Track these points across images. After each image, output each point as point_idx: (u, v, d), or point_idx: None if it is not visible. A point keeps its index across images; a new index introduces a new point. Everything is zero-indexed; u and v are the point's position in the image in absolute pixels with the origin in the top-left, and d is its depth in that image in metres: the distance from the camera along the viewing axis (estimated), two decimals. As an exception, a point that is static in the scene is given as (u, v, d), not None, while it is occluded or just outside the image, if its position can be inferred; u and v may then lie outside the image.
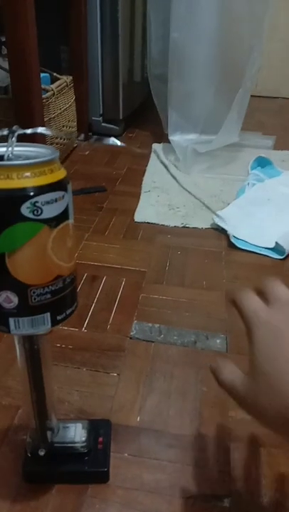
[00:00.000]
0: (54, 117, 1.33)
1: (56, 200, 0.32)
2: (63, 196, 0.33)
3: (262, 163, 1.31)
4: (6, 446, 0.53)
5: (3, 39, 1.20)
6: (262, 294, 0.34)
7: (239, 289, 0.35)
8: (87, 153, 1.52)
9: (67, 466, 0.49)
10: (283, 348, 0.30)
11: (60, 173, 0.33)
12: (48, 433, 0.47)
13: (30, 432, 0.48)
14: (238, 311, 0.34)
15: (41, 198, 0.31)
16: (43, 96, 1.24)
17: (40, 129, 0.35)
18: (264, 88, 2.29)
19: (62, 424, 0.49)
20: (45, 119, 1.27)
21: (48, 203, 0.31)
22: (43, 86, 1.24)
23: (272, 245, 0.93)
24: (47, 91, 1.28)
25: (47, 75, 1.34)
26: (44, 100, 1.25)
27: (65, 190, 0.33)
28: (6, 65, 1.20)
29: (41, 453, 0.47)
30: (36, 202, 0.31)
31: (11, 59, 1.14)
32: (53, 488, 0.49)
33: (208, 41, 1.39)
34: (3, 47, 1.41)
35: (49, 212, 0.31)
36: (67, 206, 0.33)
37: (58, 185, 0.32)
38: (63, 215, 0.33)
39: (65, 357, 0.66)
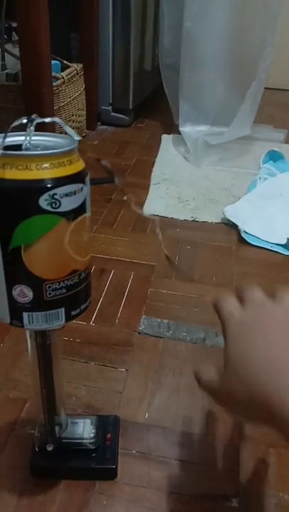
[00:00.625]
0: (64, 106, 1.31)
1: (75, 193, 0.31)
2: (82, 189, 0.31)
3: (274, 157, 1.29)
4: (13, 439, 0.52)
5: (15, 25, 1.18)
6: (240, 298, 0.38)
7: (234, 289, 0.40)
8: (95, 142, 1.50)
9: (75, 462, 0.48)
10: (251, 343, 0.33)
11: (79, 165, 0.32)
12: (57, 428, 0.47)
13: (38, 426, 0.47)
14: (216, 312, 0.38)
15: (60, 190, 0.30)
16: (53, 84, 1.22)
17: (58, 120, 0.33)
18: (275, 81, 2.25)
19: (70, 419, 0.49)
20: (55, 108, 1.26)
21: (66, 195, 0.30)
22: (53, 74, 1.22)
23: (283, 241, 0.92)
24: (57, 79, 1.26)
25: (57, 62, 1.32)
26: (54, 88, 1.23)
27: (84, 182, 0.32)
28: (16, 51, 1.19)
29: (49, 448, 0.46)
30: (55, 194, 0.29)
31: (22, 46, 1.12)
32: (61, 484, 0.48)
33: (222, 32, 1.37)
34: (14, 33, 1.38)
35: (67, 205, 0.30)
36: (85, 199, 0.32)
37: (77, 177, 0.31)
38: (81, 208, 0.32)
39: (72, 351, 0.65)
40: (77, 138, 0.31)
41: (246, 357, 0.33)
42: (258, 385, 0.31)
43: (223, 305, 0.38)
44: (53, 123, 0.32)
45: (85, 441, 0.48)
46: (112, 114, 1.63)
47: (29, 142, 0.30)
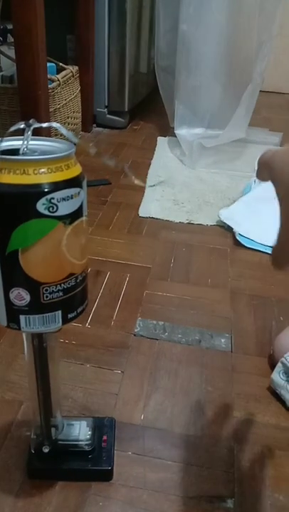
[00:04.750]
0: (59, 108, 1.31)
1: (72, 197, 0.31)
2: (79, 193, 0.32)
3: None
4: (9, 441, 0.52)
5: (10, 27, 1.18)
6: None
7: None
8: (91, 145, 1.50)
9: (71, 463, 0.48)
10: None
11: (76, 169, 0.32)
12: (53, 430, 0.47)
13: (34, 428, 0.48)
14: (262, 166, 0.34)
15: (57, 195, 0.30)
16: (49, 86, 1.23)
17: (55, 124, 0.34)
18: (270, 84, 2.27)
19: (66, 421, 0.49)
20: (50, 110, 1.26)
21: (63, 199, 0.30)
22: (48, 76, 1.22)
23: (278, 244, 0.93)
24: (53, 81, 1.26)
25: (53, 64, 1.33)
26: (50, 90, 1.23)
27: (81, 186, 0.32)
28: (12, 53, 1.19)
29: (45, 450, 0.47)
30: (52, 198, 0.30)
31: (18, 48, 1.12)
32: (57, 485, 0.48)
33: (218, 35, 1.38)
34: (9, 35, 1.38)
35: (64, 209, 0.31)
36: (82, 203, 0.33)
37: (74, 182, 0.31)
38: (78, 212, 0.32)
39: (68, 353, 0.65)
40: (76, 140, 0.32)
41: None
42: None
43: (262, 156, 0.34)
44: (50, 126, 0.33)
45: (81, 442, 0.48)
46: (108, 116, 1.63)
47: (26, 147, 0.31)
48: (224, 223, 1.02)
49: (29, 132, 0.31)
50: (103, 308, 0.75)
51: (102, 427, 0.51)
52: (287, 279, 0.86)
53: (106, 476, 0.49)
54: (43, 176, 0.29)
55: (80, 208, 0.32)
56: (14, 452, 0.51)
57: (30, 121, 0.30)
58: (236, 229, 0.98)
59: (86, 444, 0.48)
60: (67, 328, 0.68)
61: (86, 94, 1.49)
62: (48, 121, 1.18)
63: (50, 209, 0.30)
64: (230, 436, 0.55)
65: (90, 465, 0.48)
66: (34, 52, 1.10)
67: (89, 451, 0.48)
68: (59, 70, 1.34)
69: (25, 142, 0.31)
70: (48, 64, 1.22)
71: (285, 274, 0.87)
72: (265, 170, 0.33)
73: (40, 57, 1.12)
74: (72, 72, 1.36)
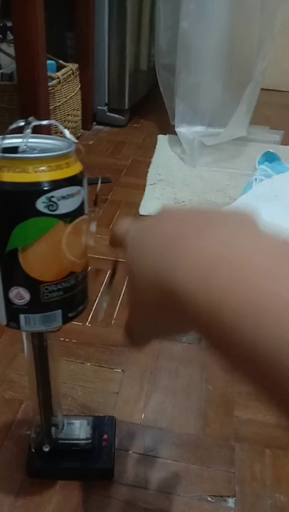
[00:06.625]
0: (59, 106, 1.30)
1: (72, 195, 0.31)
2: (79, 191, 0.31)
3: (269, 158, 1.29)
4: (9, 440, 0.52)
5: (10, 24, 1.18)
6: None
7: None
8: (91, 142, 1.50)
9: (71, 462, 0.48)
10: (149, 234, 0.27)
11: (77, 167, 0.32)
12: (53, 429, 0.47)
13: (34, 427, 0.47)
14: (116, 242, 0.32)
15: (57, 193, 0.30)
16: (49, 84, 1.22)
17: (55, 122, 0.33)
18: (271, 82, 2.27)
19: (67, 420, 0.49)
20: (50, 108, 1.25)
21: (63, 198, 0.30)
22: (48, 73, 1.21)
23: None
24: (52, 79, 1.25)
25: (53, 62, 1.32)
26: (49, 88, 1.23)
27: (81, 184, 0.32)
28: (11, 51, 1.18)
29: (46, 449, 0.46)
30: (52, 197, 0.29)
31: (17, 45, 1.11)
32: (57, 484, 0.48)
33: (218, 32, 1.37)
34: (9, 32, 1.38)
35: (65, 207, 0.30)
36: (82, 201, 0.32)
37: (75, 180, 0.31)
38: (79, 211, 0.32)
39: (68, 351, 0.65)
40: (75, 140, 0.31)
41: (144, 249, 0.26)
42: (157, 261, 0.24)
43: (115, 229, 0.31)
44: (49, 124, 0.32)
45: (81, 441, 0.48)
46: (108, 114, 1.63)
47: (26, 145, 0.30)
48: (225, 222, 1.01)
49: (28, 130, 0.30)
50: (103, 307, 0.75)
51: (103, 425, 0.51)
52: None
53: (106, 475, 0.49)
54: (43, 174, 0.29)
55: (81, 206, 0.32)
56: (15, 451, 0.51)
57: (30, 118, 0.30)
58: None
59: (86, 443, 0.48)
60: (68, 327, 0.68)
61: (86, 91, 1.49)
62: (48, 119, 1.18)
63: (50, 207, 0.30)
64: (230, 436, 0.55)
65: (91, 464, 0.48)
66: (34, 49, 1.09)
67: (89, 450, 0.48)
68: (59, 68, 1.33)
69: (25, 140, 0.30)
70: (48, 61, 1.22)
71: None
72: (117, 242, 0.31)
73: (40, 55, 1.12)
74: (72, 69, 1.35)
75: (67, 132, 0.32)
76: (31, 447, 0.48)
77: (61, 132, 0.32)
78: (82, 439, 0.48)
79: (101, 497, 0.47)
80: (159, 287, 0.24)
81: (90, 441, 0.48)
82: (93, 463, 0.48)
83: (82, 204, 0.32)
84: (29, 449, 0.48)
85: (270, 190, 1.13)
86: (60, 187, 0.30)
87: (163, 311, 0.26)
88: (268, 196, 1.11)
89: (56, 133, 1.27)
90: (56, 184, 0.30)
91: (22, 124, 0.30)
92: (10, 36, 1.37)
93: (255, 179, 1.18)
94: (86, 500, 0.47)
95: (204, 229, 0.24)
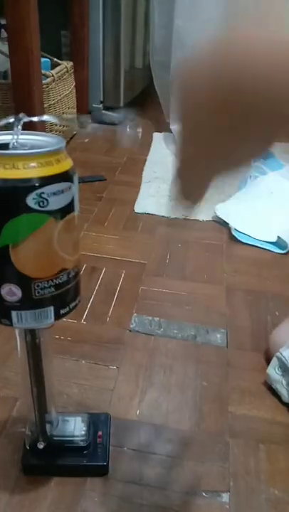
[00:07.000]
0: (54, 104, 1.30)
1: (63, 192, 0.31)
2: (70, 187, 0.31)
3: (264, 155, 1.29)
4: (4, 438, 0.52)
5: (3, 22, 1.17)
6: None
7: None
8: (86, 140, 1.50)
9: (66, 459, 0.48)
10: None
11: (67, 164, 0.32)
12: (48, 426, 0.47)
13: (29, 424, 0.47)
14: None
15: (47, 189, 0.30)
16: (43, 82, 1.22)
17: (46, 117, 0.33)
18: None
19: (61, 417, 0.49)
20: (45, 106, 1.25)
21: (54, 194, 0.30)
22: (43, 71, 1.21)
23: (274, 239, 0.93)
24: (47, 76, 1.25)
25: (47, 60, 1.32)
26: (44, 86, 1.23)
27: (72, 181, 0.32)
28: (5, 49, 1.18)
29: (40, 446, 0.46)
30: (42, 193, 0.29)
31: (11, 43, 1.11)
32: (52, 481, 0.48)
33: (213, 30, 1.37)
34: (2, 30, 1.37)
35: (55, 203, 0.30)
36: (73, 198, 0.32)
37: (65, 176, 0.31)
38: (69, 207, 0.32)
39: (63, 349, 0.65)
40: (76, 123, 0.31)
41: None
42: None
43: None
44: (40, 120, 0.32)
45: (76, 438, 0.48)
46: (103, 111, 1.63)
47: (16, 141, 0.31)
48: (220, 219, 1.01)
49: (19, 126, 0.30)
50: (99, 305, 0.75)
51: (98, 422, 0.51)
52: (282, 274, 0.86)
53: (101, 471, 0.49)
54: (33, 171, 0.29)
55: (71, 202, 0.32)
56: (10, 449, 0.51)
57: (20, 115, 0.30)
58: (232, 224, 0.98)
59: (81, 440, 0.48)
60: (63, 325, 0.68)
61: (81, 89, 1.48)
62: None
63: (41, 204, 0.30)
64: (225, 431, 0.55)
65: (86, 461, 0.48)
66: (28, 47, 1.09)
67: (84, 447, 0.48)
68: (53, 66, 1.33)
69: (15, 136, 0.30)
70: (42, 59, 1.22)
71: (279, 270, 0.87)
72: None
73: (34, 53, 1.12)
74: (66, 67, 1.35)
75: (67, 116, 0.32)
76: (26, 444, 0.48)
77: (57, 130, 0.32)
78: (77, 436, 0.48)
79: (96, 493, 0.48)
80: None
81: (84, 437, 0.48)
82: (88, 459, 0.48)
83: (72, 200, 0.32)
84: (24, 446, 0.48)
85: (266, 187, 1.13)
86: (51, 183, 0.30)
87: (224, 115, 0.21)
88: (263, 193, 1.11)
89: (51, 131, 1.26)
90: (46, 180, 0.30)
91: (12, 120, 0.30)
92: (4, 34, 1.36)
93: (250, 176, 1.18)
94: (81, 497, 0.47)
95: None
